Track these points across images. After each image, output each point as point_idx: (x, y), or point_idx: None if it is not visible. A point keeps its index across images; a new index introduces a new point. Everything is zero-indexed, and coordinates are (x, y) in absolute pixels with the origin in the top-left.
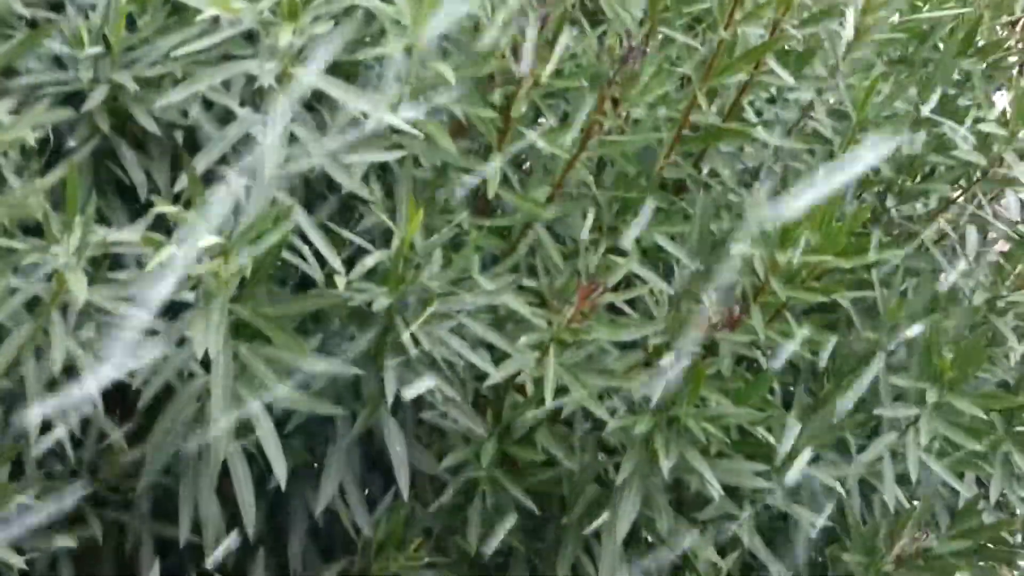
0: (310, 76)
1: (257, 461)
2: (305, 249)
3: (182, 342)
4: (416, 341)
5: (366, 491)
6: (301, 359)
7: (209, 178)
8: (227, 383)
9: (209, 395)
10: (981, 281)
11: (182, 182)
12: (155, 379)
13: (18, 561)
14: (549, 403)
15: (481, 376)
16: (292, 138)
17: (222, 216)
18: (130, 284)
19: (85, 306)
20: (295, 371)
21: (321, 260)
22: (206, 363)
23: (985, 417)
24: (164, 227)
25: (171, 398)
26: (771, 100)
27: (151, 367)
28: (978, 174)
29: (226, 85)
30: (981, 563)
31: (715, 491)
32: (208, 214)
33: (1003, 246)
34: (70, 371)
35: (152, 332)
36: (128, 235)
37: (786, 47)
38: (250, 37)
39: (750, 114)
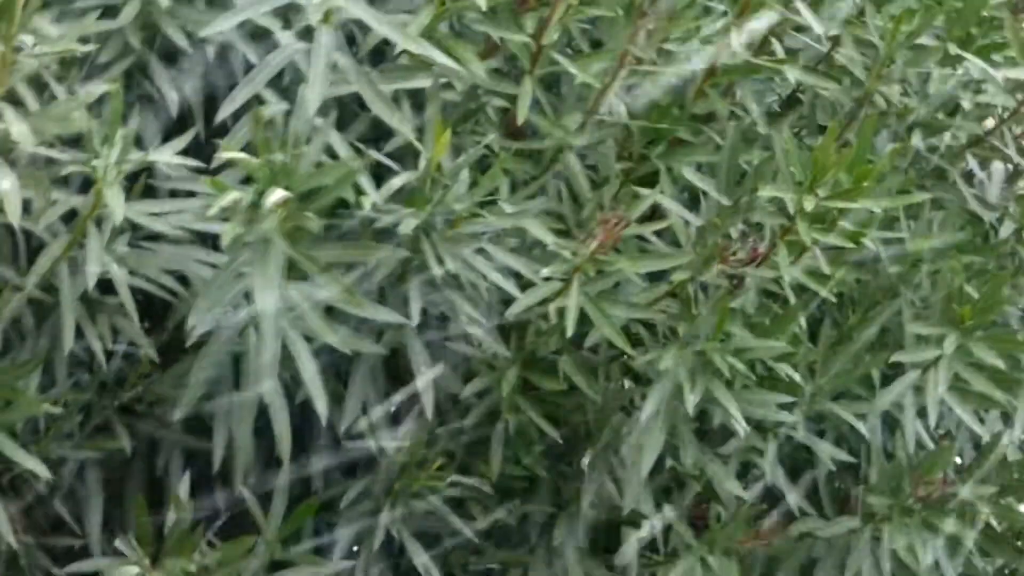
0: (355, 7)
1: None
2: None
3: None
4: (441, 261)
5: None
6: (347, 302)
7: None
8: (276, 324)
9: (253, 327)
10: (1009, 213)
11: (224, 110)
12: (208, 315)
13: (43, 470)
14: (571, 333)
15: (507, 301)
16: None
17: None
18: (169, 202)
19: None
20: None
21: None
22: (249, 295)
23: (1002, 365)
24: (197, 151)
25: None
26: (799, 30)
27: (205, 302)
28: (1006, 113)
29: None
30: (1002, 501)
31: (739, 425)
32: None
33: None
34: (104, 285)
35: (207, 264)
36: (168, 155)
37: None
38: None
39: (779, 49)
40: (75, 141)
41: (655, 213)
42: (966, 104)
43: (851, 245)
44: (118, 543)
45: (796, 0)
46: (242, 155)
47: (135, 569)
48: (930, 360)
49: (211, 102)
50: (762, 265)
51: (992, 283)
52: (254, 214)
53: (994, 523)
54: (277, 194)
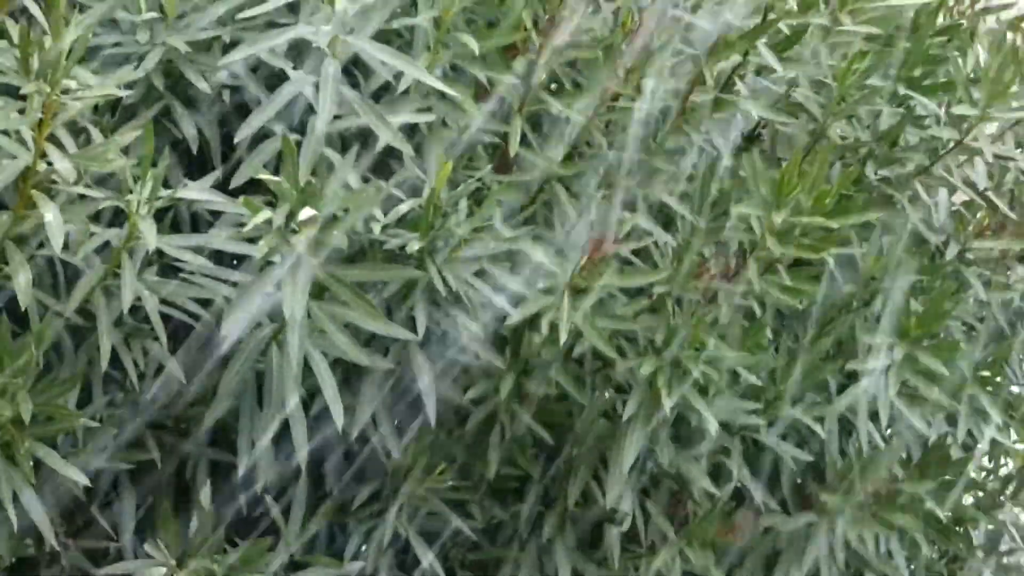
0: (360, 43)
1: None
2: None
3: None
4: (444, 281)
5: (396, 420)
6: (366, 319)
7: (257, 137)
8: (302, 337)
9: (276, 343)
10: (951, 235)
11: (240, 134)
12: (239, 329)
13: (82, 478)
14: (563, 343)
15: (502, 316)
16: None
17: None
18: (194, 236)
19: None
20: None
21: None
22: (271, 315)
23: (946, 372)
24: (218, 188)
25: (240, 342)
26: (757, 72)
27: (235, 319)
28: (950, 144)
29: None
30: (947, 495)
31: (712, 427)
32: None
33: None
34: (136, 310)
35: (229, 283)
36: (197, 192)
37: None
38: (292, 7)
39: (743, 89)
40: (106, 179)
41: (635, 235)
42: (912, 139)
43: (815, 256)
44: (147, 546)
45: (759, 44)
46: (273, 177)
47: (162, 570)
48: (881, 368)
49: (227, 141)
50: (734, 280)
51: (936, 298)
52: (284, 233)
53: (940, 515)
54: (307, 213)
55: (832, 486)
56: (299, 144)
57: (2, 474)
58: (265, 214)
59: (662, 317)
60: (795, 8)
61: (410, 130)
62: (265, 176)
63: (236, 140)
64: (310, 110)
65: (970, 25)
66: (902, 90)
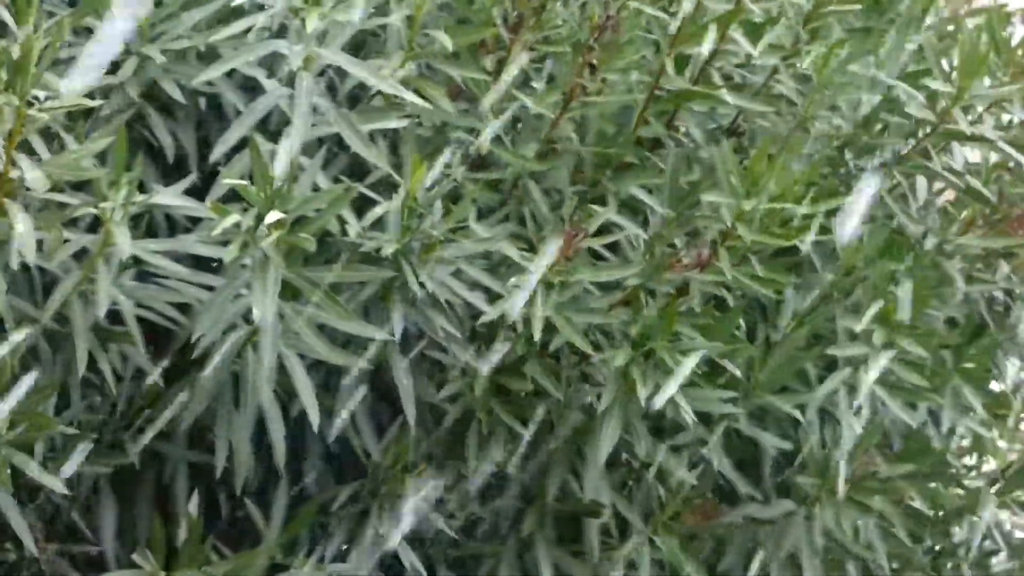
0: (332, 55)
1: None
2: None
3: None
4: (420, 283)
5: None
6: (340, 320)
7: (237, 146)
8: (274, 338)
9: (251, 345)
10: (930, 227)
11: (217, 151)
12: (211, 330)
13: (59, 485)
14: (537, 338)
15: (477, 314)
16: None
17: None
18: (168, 240)
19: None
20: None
21: None
22: (246, 317)
23: (928, 357)
24: (195, 193)
25: (214, 344)
26: (740, 65)
27: (206, 320)
28: (927, 129)
29: None
30: (929, 485)
31: (689, 417)
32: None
33: (950, 195)
34: (113, 316)
35: (203, 286)
36: (171, 198)
37: (753, 17)
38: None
39: (719, 79)
40: (83, 185)
41: (607, 229)
42: (890, 120)
43: (785, 243)
44: (135, 556)
45: (732, 31)
46: (241, 182)
47: None
48: (862, 354)
49: (204, 145)
50: (706, 270)
51: (917, 284)
52: (252, 236)
53: (922, 506)
54: (274, 215)
55: (811, 473)
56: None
57: None
58: (234, 218)
59: (635, 309)
60: None
61: (385, 133)
62: (232, 181)
63: (212, 158)
64: (286, 116)
65: (958, 23)
66: (882, 77)
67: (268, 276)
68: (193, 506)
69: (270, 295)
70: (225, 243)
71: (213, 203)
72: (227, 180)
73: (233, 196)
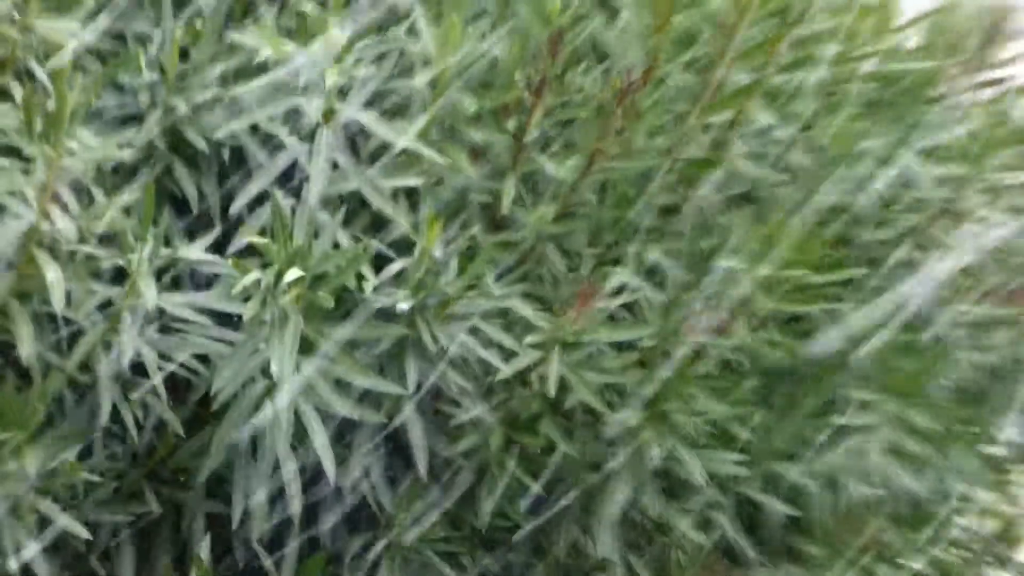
0: (351, 111)
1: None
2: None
3: (255, 352)
4: (435, 339)
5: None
6: (355, 375)
7: (258, 198)
8: (291, 393)
9: (270, 397)
10: (941, 298)
11: (237, 204)
12: (230, 384)
13: (82, 531)
14: (552, 395)
15: (492, 371)
16: (334, 165)
17: (299, 246)
18: (191, 295)
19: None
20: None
21: None
22: (264, 371)
23: (933, 428)
24: (217, 244)
25: (234, 398)
26: (758, 134)
27: (225, 374)
28: (940, 207)
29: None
30: (935, 552)
31: (700, 479)
32: (287, 245)
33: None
34: (136, 367)
35: (226, 342)
36: (196, 253)
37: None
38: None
39: (739, 147)
40: (111, 237)
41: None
42: (903, 199)
43: (800, 310)
44: None
45: (752, 101)
46: (262, 239)
47: None
48: (870, 424)
49: (228, 198)
50: (722, 335)
51: (925, 357)
52: (272, 292)
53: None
54: (293, 274)
55: (818, 539)
56: (295, 209)
57: (6, 527)
58: (254, 276)
59: (650, 371)
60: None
61: (407, 189)
62: (254, 239)
63: (232, 209)
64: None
65: (969, 97)
66: (894, 153)
67: (287, 332)
68: (204, 551)
69: (288, 351)
70: (246, 299)
71: (234, 260)
72: (247, 237)
73: (254, 250)
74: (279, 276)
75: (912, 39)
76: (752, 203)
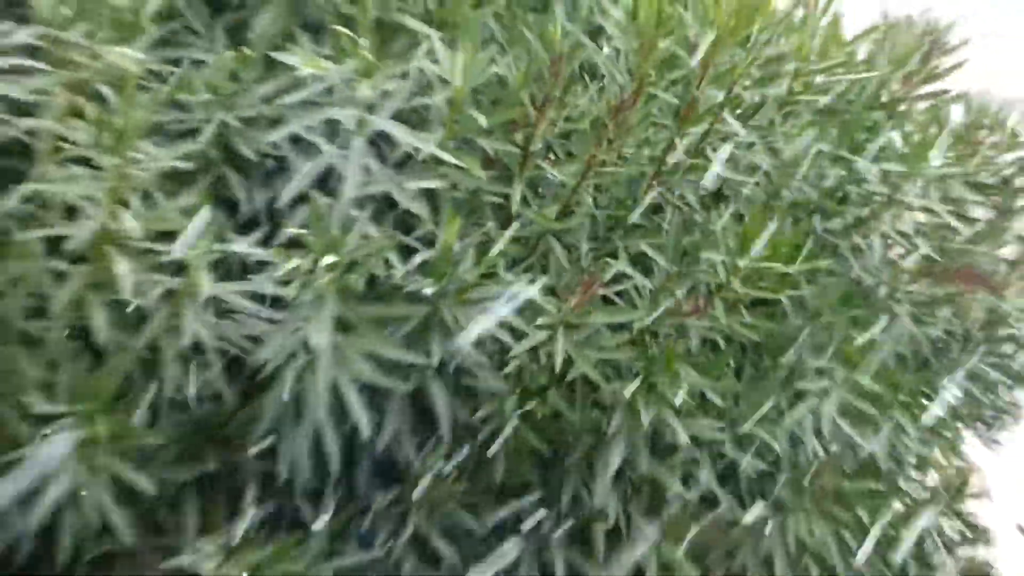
0: (380, 123)
1: (333, 411)
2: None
3: (296, 330)
4: (455, 319)
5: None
6: (384, 349)
7: (297, 199)
8: (328, 364)
9: (311, 369)
10: (884, 280)
11: (282, 201)
12: (275, 358)
13: (149, 486)
14: (558, 370)
15: (506, 349)
16: (365, 169)
17: (333, 236)
18: (240, 283)
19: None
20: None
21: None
22: (305, 346)
23: (880, 392)
24: (265, 240)
25: (279, 370)
26: (723, 139)
27: (271, 347)
28: (883, 199)
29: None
30: (875, 500)
31: (683, 440)
32: (323, 235)
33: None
34: (195, 346)
35: (271, 321)
36: (243, 246)
37: (740, 103)
38: (329, 89)
39: (710, 152)
40: (171, 235)
41: (617, 279)
42: (852, 194)
43: (772, 296)
44: (200, 542)
45: (724, 114)
46: (302, 231)
47: (213, 563)
48: (825, 388)
49: (273, 200)
50: (702, 317)
51: (871, 329)
52: (310, 276)
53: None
54: (328, 259)
55: (784, 488)
56: (331, 207)
57: (86, 483)
58: (295, 261)
59: (641, 348)
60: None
61: (428, 192)
62: (294, 230)
63: (277, 205)
64: (341, 176)
65: (908, 106)
66: (845, 154)
67: (324, 310)
68: (248, 502)
69: (325, 326)
70: (288, 283)
71: (277, 249)
72: (289, 229)
73: (295, 243)
74: (316, 262)
75: (861, 51)
76: (726, 201)
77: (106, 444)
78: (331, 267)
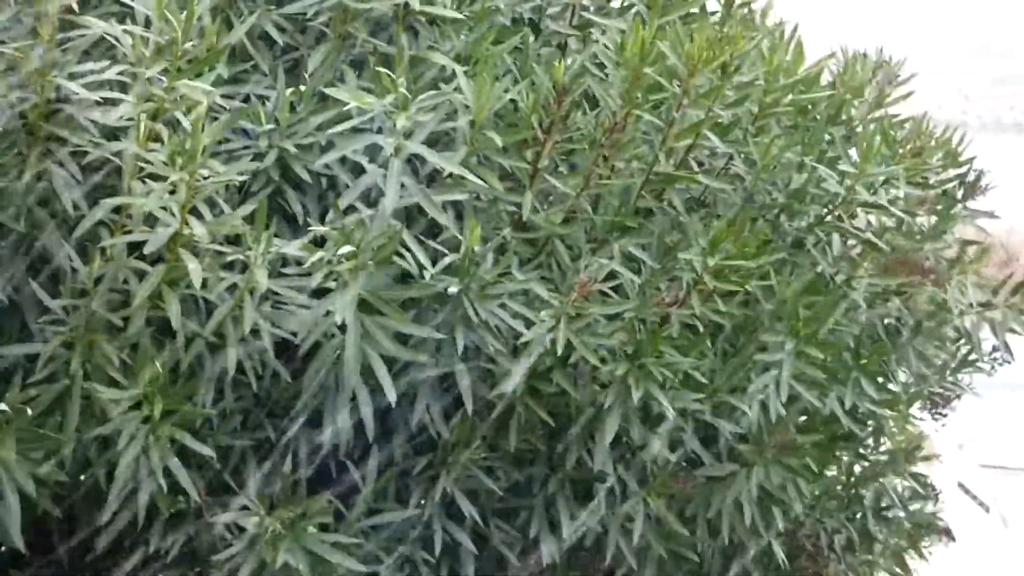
0: (415, 147)
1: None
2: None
3: (327, 314)
4: (477, 313)
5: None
6: (404, 326)
7: (347, 211)
8: (356, 342)
9: (344, 348)
10: (842, 268)
11: (332, 214)
12: (310, 336)
13: (208, 451)
14: (560, 353)
15: (518, 336)
16: (401, 185)
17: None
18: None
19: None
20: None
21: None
22: (343, 328)
23: (822, 357)
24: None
25: (319, 349)
26: (708, 155)
27: (308, 328)
28: (840, 200)
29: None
30: (830, 453)
31: (669, 412)
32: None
33: (857, 247)
34: (255, 332)
35: (305, 307)
36: (292, 248)
37: (717, 121)
38: (371, 119)
39: (693, 164)
40: (235, 239)
41: (611, 275)
42: (812, 192)
43: (739, 288)
44: (244, 499)
45: (704, 131)
46: (323, 227)
47: (256, 517)
48: (780, 358)
49: (325, 212)
50: (682, 306)
51: (817, 307)
52: (334, 264)
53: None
54: (345, 248)
55: (750, 444)
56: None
57: (154, 450)
58: (319, 253)
59: (631, 334)
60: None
61: (453, 202)
62: (317, 228)
63: (328, 218)
64: (381, 191)
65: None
66: (809, 161)
67: (347, 291)
68: (287, 465)
69: (349, 304)
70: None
71: (303, 243)
72: (313, 228)
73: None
74: (335, 251)
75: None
76: (705, 206)
77: (165, 418)
78: (350, 256)
